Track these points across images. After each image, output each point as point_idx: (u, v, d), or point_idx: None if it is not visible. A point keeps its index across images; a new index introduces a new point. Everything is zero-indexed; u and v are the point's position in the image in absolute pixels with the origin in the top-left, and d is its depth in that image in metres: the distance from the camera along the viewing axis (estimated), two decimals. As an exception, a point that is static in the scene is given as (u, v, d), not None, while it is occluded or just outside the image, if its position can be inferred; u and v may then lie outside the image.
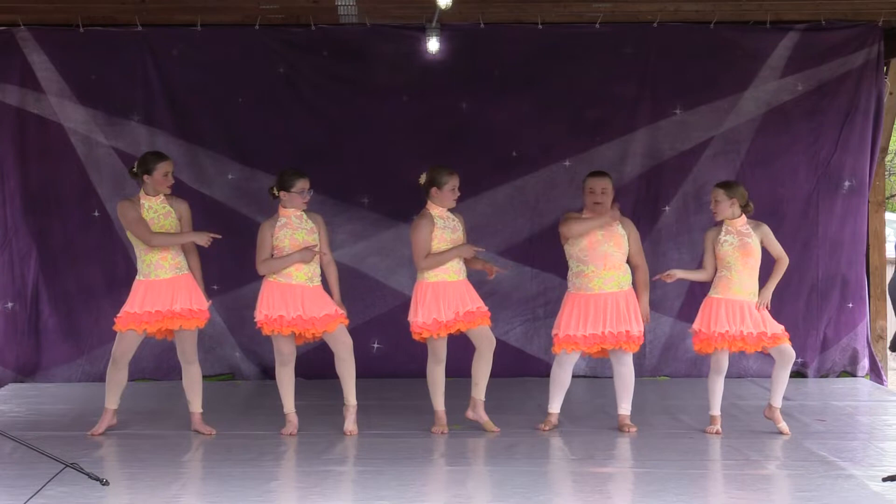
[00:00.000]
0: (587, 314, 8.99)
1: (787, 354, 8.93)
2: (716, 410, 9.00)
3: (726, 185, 9.06)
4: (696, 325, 9.02)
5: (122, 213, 8.96)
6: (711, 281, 9.04)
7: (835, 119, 11.56)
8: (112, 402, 9.03)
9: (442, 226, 9.02)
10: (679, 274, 9.22)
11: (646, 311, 9.17)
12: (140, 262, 8.94)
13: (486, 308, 9.08)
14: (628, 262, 9.11)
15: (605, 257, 8.99)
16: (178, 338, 8.98)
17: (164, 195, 8.94)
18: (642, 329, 9.10)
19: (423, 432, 8.96)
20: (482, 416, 9.10)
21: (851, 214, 11.62)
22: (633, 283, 9.13)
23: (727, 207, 8.95)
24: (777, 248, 9.06)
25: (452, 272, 9.01)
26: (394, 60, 11.50)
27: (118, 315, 8.94)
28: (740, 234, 8.95)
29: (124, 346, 8.96)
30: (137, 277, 8.96)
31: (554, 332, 9.14)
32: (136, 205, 8.90)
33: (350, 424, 8.99)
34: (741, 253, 8.91)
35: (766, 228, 9.04)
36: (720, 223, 9.04)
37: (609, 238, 9.02)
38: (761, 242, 8.99)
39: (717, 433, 8.91)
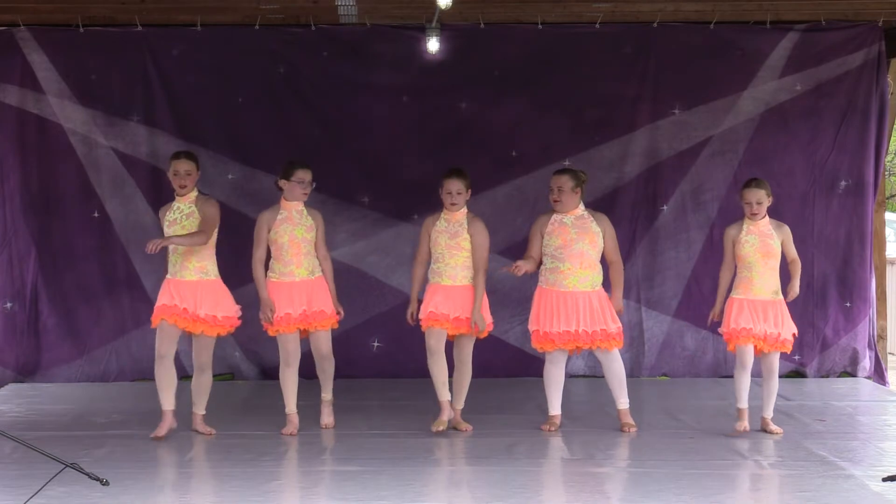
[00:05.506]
0: (559, 311, 8.95)
1: (772, 364, 8.92)
2: (742, 403, 8.85)
3: (765, 185, 8.89)
4: (722, 328, 8.93)
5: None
6: (732, 280, 8.94)
7: (833, 119, 11.56)
8: (167, 402, 8.82)
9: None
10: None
11: (619, 304, 9.12)
12: (168, 261, 8.89)
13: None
14: (604, 257, 9.09)
15: (580, 255, 8.95)
16: (195, 342, 8.89)
17: (195, 197, 8.88)
18: (620, 325, 9.06)
19: (423, 432, 8.96)
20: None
21: (848, 214, 11.62)
22: (609, 278, 9.10)
23: (766, 207, 8.89)
24: (792, 252, 8.93)
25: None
26: (394, 60, 11.51)
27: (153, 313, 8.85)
28: (762, 234, 8.85)
29: (165, 340, 8.78)
30: (167, 276, 8.89)
31: (531, 327, 9.13)
32: (167, 207, 8.97)
33: (326, 417, 9.10)
34: (762, 254, 8.81)
35: (787, 230, 8.94)
36: (740, 220, 8.96)
37: (583, 236, 8.99)
38: (781, 244, 8.90)
39: (744, 430, 8.78)
